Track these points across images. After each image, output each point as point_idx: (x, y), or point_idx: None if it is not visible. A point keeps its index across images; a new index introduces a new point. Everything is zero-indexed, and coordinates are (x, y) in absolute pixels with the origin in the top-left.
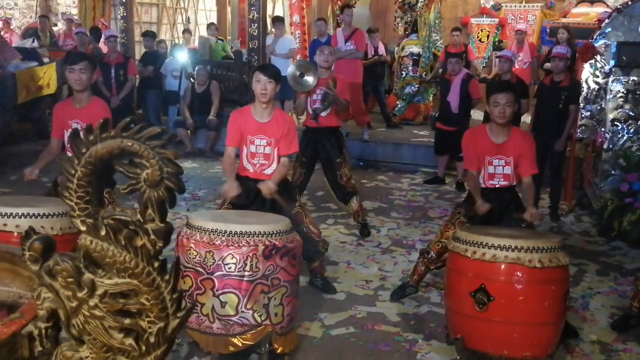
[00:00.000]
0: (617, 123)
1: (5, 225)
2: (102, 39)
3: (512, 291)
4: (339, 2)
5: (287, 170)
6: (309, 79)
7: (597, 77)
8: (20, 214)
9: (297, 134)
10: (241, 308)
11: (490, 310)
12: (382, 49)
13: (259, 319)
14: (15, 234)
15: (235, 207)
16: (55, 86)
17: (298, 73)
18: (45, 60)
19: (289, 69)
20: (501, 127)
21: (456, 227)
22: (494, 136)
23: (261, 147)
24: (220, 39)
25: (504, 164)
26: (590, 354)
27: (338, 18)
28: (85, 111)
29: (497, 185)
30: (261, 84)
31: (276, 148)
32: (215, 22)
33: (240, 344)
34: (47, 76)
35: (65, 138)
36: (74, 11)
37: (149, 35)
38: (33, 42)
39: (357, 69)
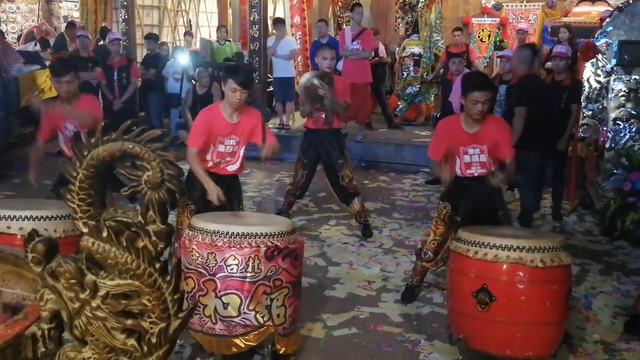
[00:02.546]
0: (619, 122)
1: (9, 227)
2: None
3: (514, 291)
4: (339, 3)
5: (278, 147)
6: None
7: (599, 76)
8: (23, 217)
9: (265, 124)
10: (243, 309)
11: (492, 311)
12: (382, 50)
13: (261, 320)
14: (19, 236)
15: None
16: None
17: (315, 81)
18: (48, 63)
19: (302, 80)
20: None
21: (446, 222)
22: (467, 127)
23: (230, 146)
24: (228, 41)
25: (479, 152)
26: (593, 353)
27: (339, 19)
28: (75, 110)
29: (476, 174)
30: (236, 95)
31: (243, 147)
32: (217, 24)
33: (242, 345)
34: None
35: (60, 139)
36: (76, 14)
37: (151, 38)
38: (35, 45)
39: (364, 69)
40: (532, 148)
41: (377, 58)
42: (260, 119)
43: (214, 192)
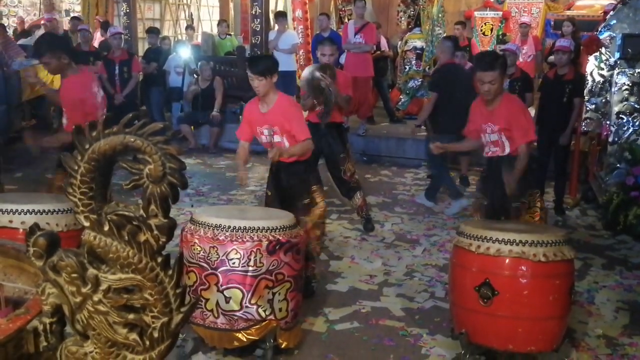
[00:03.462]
0: (623, 116)
1: (11, 221)
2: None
3: (517, 285)
4: None
5: (302, 148)
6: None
7: (602, 69)
8: (25, 211)
9: (302, 116)
10: (245, 303)
11: (494, 305)
12: (384, 44)
13: (263, 314)
14: (21, 230)
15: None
16: (60, 83)
17: (317, 73)
18: None
19: (304, 73)
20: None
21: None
22: (486, 104)
23: (269, 136)
24: (229, 35)
25: (492, 131)
26: (595, 348)
27: (341, 13)
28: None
29: (490, 154)
30: (253, 83)
31: (284, 135)
32: (218, 18)
33: (244, 339)
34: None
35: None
36: (77, 8)
37: (153, 32)
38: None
39: (366, 63)
40: (445, 132)
41: (378, 52)
42: (291, 108)
43: (243, 178)
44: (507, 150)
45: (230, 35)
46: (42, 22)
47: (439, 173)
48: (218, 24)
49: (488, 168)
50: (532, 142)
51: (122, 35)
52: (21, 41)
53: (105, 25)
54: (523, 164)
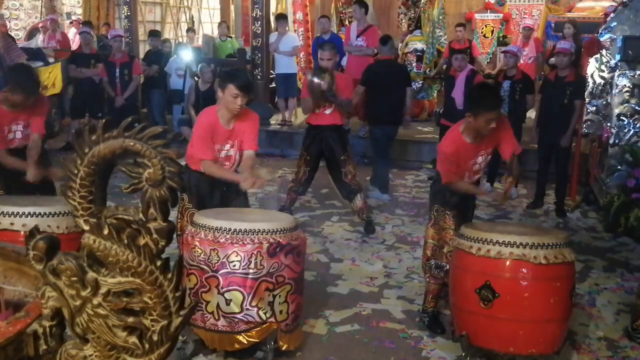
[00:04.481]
0: (623, 118)
1: (12, 224)
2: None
3: (518, 288)
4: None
5: (253, 163)
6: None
7: (603, 71)
8: (27, 213)
9: (258, 129)
10: (246, 305)
11: (495, 307)
12: None
13: (263, 317)
14: (22, 232)
15: (198, 201)
16: (61, 86)
17: (315, 80)
18: (51, 60)
19: (309, 78)
20: None
21: (446, 221)
22: (470, 138)
23: (224, 151)
24: (229, 37)
25: (484, 160)
26: (596, 350)
27: (341, 15)
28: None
29: (476, 177)
30: (237, 101)
31: (239, 150)
32: (219, 20)
33: (245, 341)
34: (53, 76)
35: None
36: (79, 11)
37: (155, 35)
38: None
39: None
40: (377, 124)
41: (378, 55)
42: (256, 124)
43: (248, 182)
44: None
45: (230, 37)
46: (41, 25)
47: (383, 162)
48: (218, 26)
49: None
50: (518, 153)
51: (123, 38)
52: (22, 44)
53: (87, 25)
54: (519, 169)
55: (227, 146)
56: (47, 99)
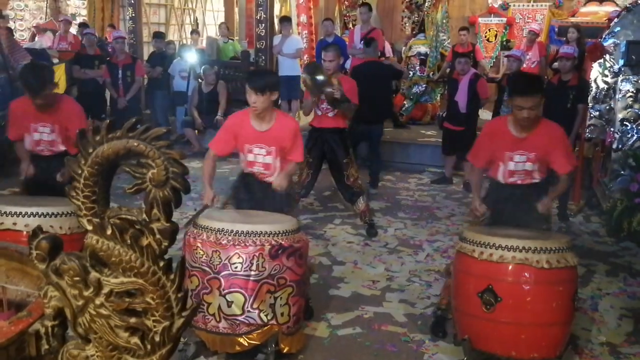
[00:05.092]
0: (627, 123)
1: (15, 224)
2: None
3: (520, 292)
4: (346, 2)
5: (296, 168)
6: (320, 77)
7: (606, 76)
8: (29, 213)
9: (301, 138)
10: (247, 307)
11: (497, 311)
12: (388, 49)
13: (265, 319)
14: (25, 233)
15: (237, 201)
16: (65, 86)
17: (309, 77)
18: (55, 61)
19: (302, 77)
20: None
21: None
22: (515, 130)
23: (260, 156)
24: (230, 39)
25: (525, 160)
26: (599, 355)
27: (345, 18)
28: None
29: (518, 182)
30: (251, 99)
31: (278, 157)
32: (225, 23)
33: (246, 344)
34: (56, 77)
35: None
36: (84, 12)
37: (159, 37)
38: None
39: None
40: (363, 120)
41: (382, 58)
42: (294, 131)
43: (208, 198)
44: (536, 179)
45: (232, 39)
46: (47, 26)
47: (376, 160)
48: (218, 27)
49: (509, 197)
50: (573, 170)
51: (125, 40)
52: (27, 44)
53: (82, 26)
54: (564, 188)
55: (263, 151)
56: (80, 111)
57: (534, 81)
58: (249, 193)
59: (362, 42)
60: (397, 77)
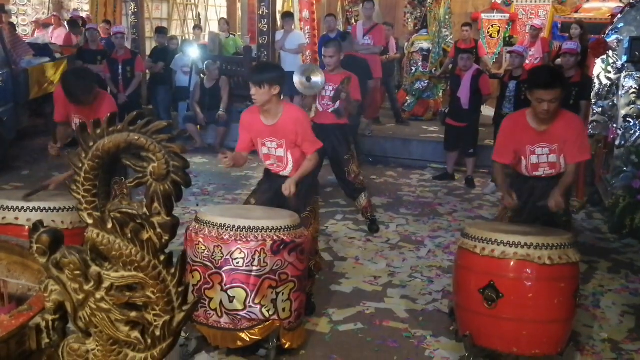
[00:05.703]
0: (630, 119)
1: (17, 218)
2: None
3: (522, 288)
4: None
5: (313, 165)
6: (317, 79)
7: (609, 72)
8: (31, 208)
9: (310, 129)
10: (249, 303)
11: (499, 307)
12: (392, 46)
13: (266, 314)
14: (27, 227)
15: (261, 197)
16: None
17: (304, 78)
18: (57, 56)
19: (294, 78)
20: None
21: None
22: (535, 123)
23: (273, 149)
24: (232, 34)
25: (548, 152)
26: (600, 352)
27: (348, 14)
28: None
29: (543, 175)
30: (251, 91)
31: (289, 150)
32: (225, 18)
33: (248, 339)
34: (59, 72)
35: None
36: (86, 7)
37: (162, 32)
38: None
39: (375, 64)
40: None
41: (385, 57)
42: (300, 123)
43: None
44: (562, 170)
45: (233, 35)
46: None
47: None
48: (218, 23)
49: (533, 188)
50: (583, 162)
51: (124, 35)
52: (29, 39)
53: (74, 24)
54: (571, 179)
55: (274, 144)
56: (112, 104)
57: (555, 74)
58: (271, 188)
59: (364, 37)
60: (367, 77)
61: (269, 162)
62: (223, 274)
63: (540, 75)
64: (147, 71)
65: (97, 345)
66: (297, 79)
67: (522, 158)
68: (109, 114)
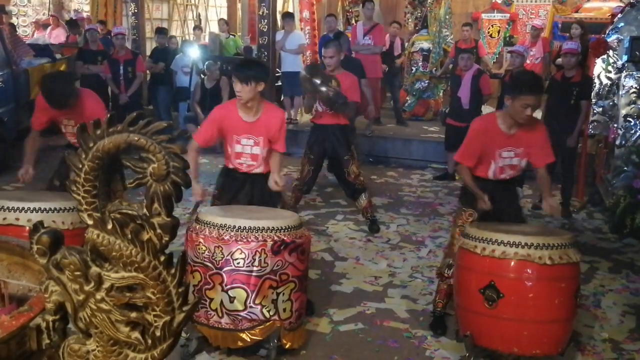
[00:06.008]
0: (630, 119)
1: (17, 219)
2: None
3: (522, 288)
4: None
5: (282, 163)
6: (318, 81)
7: (610, 72)
8: (32, 208)
9: (286, 128)
10: (250, 303)
11: (499, 307)
12: (398, 46)
13: (267, 314)
14: (27, 228)
15: (223, 198)
16: None
17: (309, 76)
18: (57, 56)
19: (301, 74)
20: None
21: (462, 218)
22: (505, 127)
23: (248, 147)
24: (232, 35)
25: (513, 156)
26: (601, 352)
27: (348, 14)
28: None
29: (507, 178)
30: (236, 87)
31: (265, 148)
32: (226, 18)
33: (248, 339)
34: None
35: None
36: (86, 8)
37: (162, 32)
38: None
39: (375, 64)
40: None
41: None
42: (283, 122)
43: (197, 194)
44: (518, 173)
45: (233, 35)
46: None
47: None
48: (218, 23)
49: (494, 190)
50: (551, 163)
51: (125, 35)
52: (29, 40)
53: (72, 24)
54: (550, 181)
55: (250, 142)
56: (96, 99)
57: (539, 79)
58: (236, 189)
59: (365, 37)
60: (361, 77)
61: (239, 160)
62: (223, 275)
63: (527, 81)
64: (148, 71)
65: (97, 346)
66: (302, 74)
67: (492, 162)
68: (108, 115)
